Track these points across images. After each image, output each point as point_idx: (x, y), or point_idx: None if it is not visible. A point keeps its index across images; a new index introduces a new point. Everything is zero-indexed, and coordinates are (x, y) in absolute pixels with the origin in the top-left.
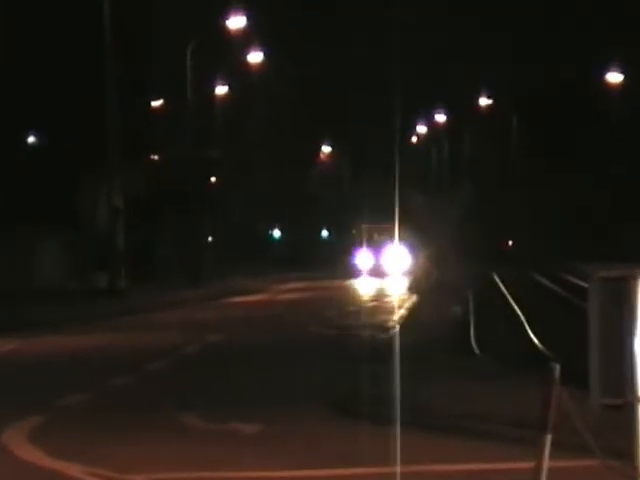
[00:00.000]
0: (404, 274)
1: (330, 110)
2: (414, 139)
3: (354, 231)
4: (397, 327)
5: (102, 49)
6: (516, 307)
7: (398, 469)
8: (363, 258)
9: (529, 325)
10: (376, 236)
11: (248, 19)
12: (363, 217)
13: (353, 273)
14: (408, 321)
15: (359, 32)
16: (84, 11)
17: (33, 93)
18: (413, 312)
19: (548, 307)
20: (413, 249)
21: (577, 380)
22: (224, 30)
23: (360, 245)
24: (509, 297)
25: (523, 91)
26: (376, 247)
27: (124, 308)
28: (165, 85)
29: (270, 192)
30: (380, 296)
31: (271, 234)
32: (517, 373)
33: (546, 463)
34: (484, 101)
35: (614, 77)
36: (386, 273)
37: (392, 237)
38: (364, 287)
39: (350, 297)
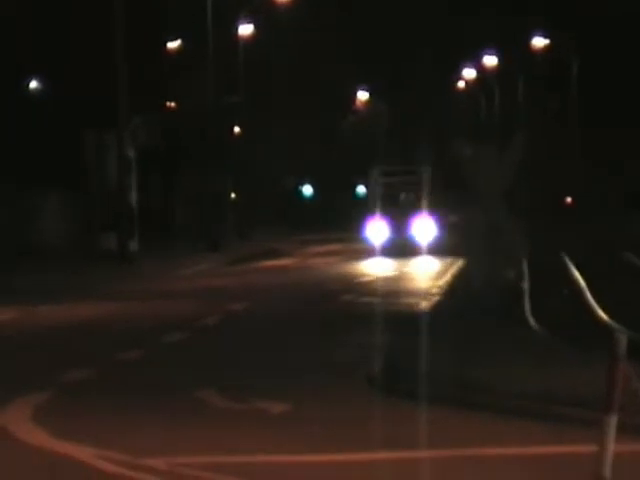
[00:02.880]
0: (438, 249)
1: (368, 52)
2: (461, 84)
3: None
4: (441, 295)
5: None
6: (577, 273)
7: (447, 453)
8: (378, 228)
9: (593, 294)
10: (398, 193)
11: None
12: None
13: (365, 250)
14: (454, 288)
15: None
16: None
17: (34, 32)
18: (459, 278)
19: (614, 274)
20: (447, 215)
21: None
22: None
23: (374, 208)
24: (568, 262)
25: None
26: (398, 211)
27: (136, 274)
28: (183, 24)
29: (300, 143)
30: (420, 263)
31: (300, 190)
32: (578, 347)
33: (611, 446)
34: (539, 41)
35: None
36: (413, 250)
37: (421, 196)
38: (377, 270)
39: (388, 261)
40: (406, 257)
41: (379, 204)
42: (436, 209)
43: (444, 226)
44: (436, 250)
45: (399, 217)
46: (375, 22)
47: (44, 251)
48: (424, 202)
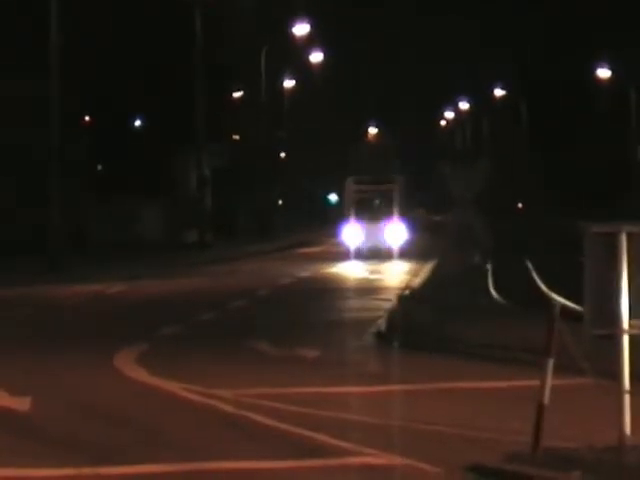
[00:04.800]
0: (410, 253)
1: (377, 98)
2: (443, 122)
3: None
4: (428, 275)
5: (193, 53)
6: (526, 258)
7: (427, 387)
8: (353, 232)
9: (538, 274)
10: (372, 200)
11: (310, 25)
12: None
13: (342, 254)
14: (437, 271)
15: (403, 32)
16: (177, 28)
17: (137, 85)
18: (442, 262)
19: (551, 255)
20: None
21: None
22: (291, 36)
23: (348, 213)
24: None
25: (531, 85)
26: (372, 216)
27: (210, 258)
28: (244, 79)
29: (327, 164)
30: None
31: (327, 198)
32: (528, 312)
33: (549, 381)
34: (499, 92)
35: (603, 73)
36: (386, 252)
37: (393, 202)
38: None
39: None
40: (379, 260)
41: (353, 210)
42: (409, 213)
43: (422, 226)
44: (407, 254)
45: (372, 222)
46: (384, 76)
47: (144, 242)
48: (396, 208)
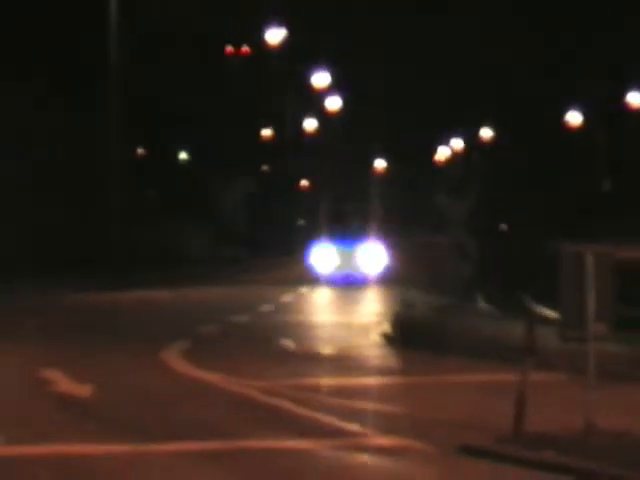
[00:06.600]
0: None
1: (385, 134)
2: (439, 157)
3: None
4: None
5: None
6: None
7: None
8: (323, 254)
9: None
10: (348, 219)
11: (330, 72)
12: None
13: (310, 277)
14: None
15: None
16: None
17: (183, 124)
18: (437, 275)
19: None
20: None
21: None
22: (310, 86)
23: (319, 234)
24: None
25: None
26: (345, 236)
27: (242, 269)
28: (272, 120)
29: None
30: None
31: None
32: (511, 315)
33: (530, 376)
34: (487, 132)
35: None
36: (360, 278)
37: (369, 222)
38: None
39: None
40: (352, 286)
41: (326, 230)
42: (390, 234)
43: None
44: (386, 280)
45: (347, 244)
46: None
47: (188, 257)
48: (374, 227)
